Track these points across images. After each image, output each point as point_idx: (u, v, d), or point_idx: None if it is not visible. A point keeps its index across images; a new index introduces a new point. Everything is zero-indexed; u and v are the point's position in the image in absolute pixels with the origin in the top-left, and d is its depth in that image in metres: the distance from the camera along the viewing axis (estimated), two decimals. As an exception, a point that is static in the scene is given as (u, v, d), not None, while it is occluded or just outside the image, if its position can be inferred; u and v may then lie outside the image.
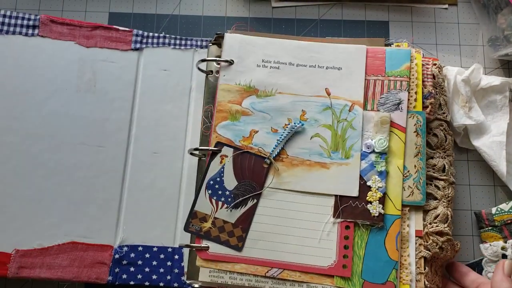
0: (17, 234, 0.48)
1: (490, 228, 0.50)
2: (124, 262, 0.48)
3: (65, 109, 0.52)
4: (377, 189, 0.46)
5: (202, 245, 0.45)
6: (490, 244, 0.49)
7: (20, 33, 0.53)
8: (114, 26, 0.55)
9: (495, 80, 0.52)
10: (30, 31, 0.53)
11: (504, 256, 0.48)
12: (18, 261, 0.47)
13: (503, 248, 0.49)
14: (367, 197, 0.46)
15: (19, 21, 0.53)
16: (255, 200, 0.46)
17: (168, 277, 0.48)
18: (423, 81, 0.49)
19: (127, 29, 0.55)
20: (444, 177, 0.48)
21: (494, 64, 0.56)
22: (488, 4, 0.54)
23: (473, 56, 0.57)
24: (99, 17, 0.58)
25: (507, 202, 0.50)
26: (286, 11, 0.58)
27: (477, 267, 0.50)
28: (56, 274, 0.47)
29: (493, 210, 0.50)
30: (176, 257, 0.49)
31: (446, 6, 0.58)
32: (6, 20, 0.53)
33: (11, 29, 0.53)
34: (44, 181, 0.50)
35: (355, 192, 0.46)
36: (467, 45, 0.57)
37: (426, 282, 0.45)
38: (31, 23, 0.53)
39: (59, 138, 0.51)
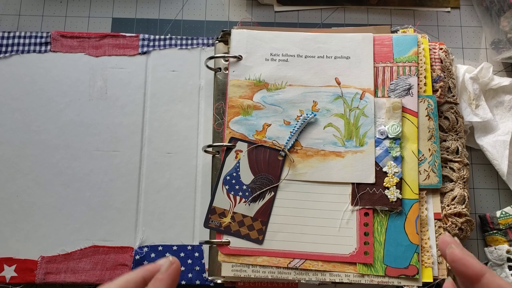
0: (41, 242, 0.49)
1: (494, 231, 0.50)
2: (145, 262, 0.49)
3: (80, 118, 0.53)
4: (393, 175, 0.46)
5: (223, 240, 0.46)
6: (495, 248, 0.49)
7: (34, 51, 0.55)
8: (121, 33, 0.55)
9: (505, 80, 0.52)
10: (43, 48, 0.55)
11: (509, 260, 0.48)
12: (44, 267, 0.48)
13: (508, 252, 0.48)
14: (384, 183, 0.46)
15: (32, 40, 0.55)
16: (272, 193, 0.46)
17: (190, 275, 0.49)
18: (431, 65, 0.50)
19: (133, 34, 0.55)
20: (458, 159, 0.48)
21: (497, 66, 0.56)
22: (490, 7, 0.54)
23: (476, 59, 0.56)
24: (102, 23, 0.58)
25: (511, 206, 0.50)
26: (288, 16, 0.58)
27: None
28: (80, 277, 0.48)
29: (498, 213, 0.50)
30: (196, 254, 0.49)
31: (449, 9, 0.58)
32: (21, 40, 0.55)
33: (26, 48, 0.55)
34: (64, 189, 0.51)
35: (371, 179, 0.46)
36: (470, 48, 0.57)
37: (448, 264, 0.45)
38: (43, 40, 0.55)
39: (76, 146, 0.52)
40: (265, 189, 0.46)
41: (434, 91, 0.49)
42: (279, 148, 0.47)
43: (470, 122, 0.51)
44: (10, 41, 0.55)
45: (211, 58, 0.51)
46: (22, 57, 0.55)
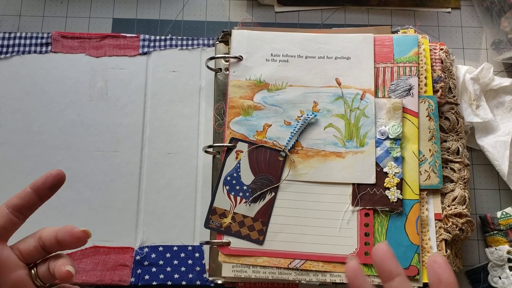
0: (41, 241, 0.49)
1: (495, 232, 0.50)
2: (146, 263, 0.49)
3: (80, 119, 0.53)
4: (394, 175, 0.46)
5: (224, 240, 0.46)
6: (495, 248, 0.49)
7: (35, 51, 0.55)
8: (122, 34, 0.55)
9: (506, 81, 0.52)
10: (43, 49, 0.55)
11: (510, 260, 0.48)
12: (44, 267, 0.48)
13: (508, 252, 0.48)
14: (385, 184, 0.46)
15: (33, 41, 0.55)
16: (273, 193, 0.46)
17: (190, 276, 0.49)
18: (431, 66, 0.50)
19: (134, 35, 0.55)
20: (459, 160, 0.48)
21: (498, 67, 0.56)
22: (491, 7, 0.54)
23: (476, 59, 0.56)
24: (103, 23, 0.58)
25: (512, 206, 0.50)
26: (289, 16, 0.58)
27: (483, 271, 0.49)
28: (80, 278, 0.48)
29: (498, 214, 0.50)
30: (197, 255, 0.49)
31: (449, 9, 0.58)
32: (22, 41, 0.55)
33: (27, 49, 0.55)
34: (64, 189, 0.49)
35: (372, 180, 0.46)
36: (471, 49, 0.57)
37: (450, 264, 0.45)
38: (44, 41, 0.55)
39: (76, 147, 0.52)
40: (265, 189, 0.46)
41: (435, 91, 0.49)
42: (280, 149, 0.47)
43: (470, 123, 0.51)
44: (11, 42, 0.55)
45: (211, 58, 0.51)
46: (23, 57, 0.55)
